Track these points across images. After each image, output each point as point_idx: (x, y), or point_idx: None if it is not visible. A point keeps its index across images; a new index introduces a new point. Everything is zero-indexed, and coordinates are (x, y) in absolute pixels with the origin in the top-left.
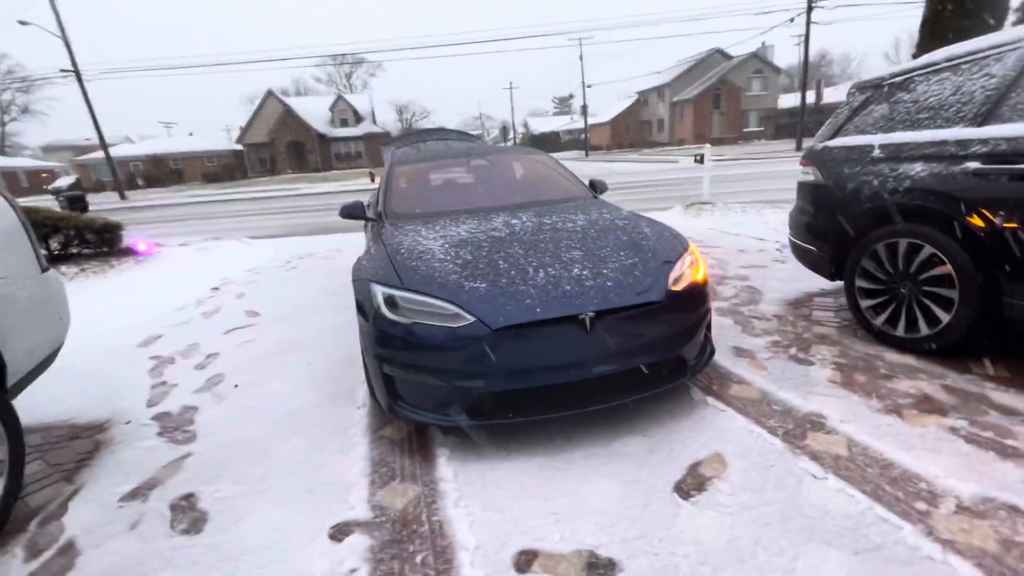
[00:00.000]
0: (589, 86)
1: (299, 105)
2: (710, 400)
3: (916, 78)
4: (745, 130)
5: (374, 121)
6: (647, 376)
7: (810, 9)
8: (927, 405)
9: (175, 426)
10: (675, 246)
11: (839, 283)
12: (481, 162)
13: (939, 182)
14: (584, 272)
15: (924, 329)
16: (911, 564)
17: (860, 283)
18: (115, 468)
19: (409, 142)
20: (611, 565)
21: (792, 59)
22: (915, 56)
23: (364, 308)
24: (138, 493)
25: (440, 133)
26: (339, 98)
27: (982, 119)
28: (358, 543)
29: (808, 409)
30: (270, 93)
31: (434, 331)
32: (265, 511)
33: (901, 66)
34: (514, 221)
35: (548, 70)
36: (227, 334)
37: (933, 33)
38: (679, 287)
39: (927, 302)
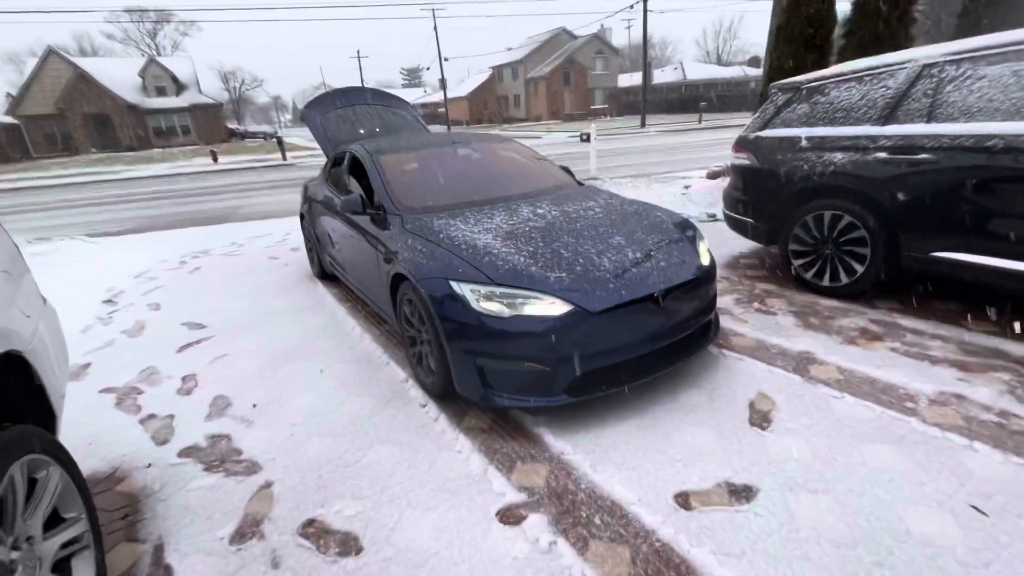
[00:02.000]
0: (446, 59)
1: (96, 68)
2: (726, 352)
3: (829, 85)
4: (592, 107)
5: (200, 90)
6: (695, 338)
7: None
8: (868, 335)
9: (219, 459)
10: (686, 226)
11: (753, 244)
12: (467, 151)
13: (856, 167)
14: (637, 255)
15: (844, 279)
16: (927, 442)
17: (793, 247)
18: (188, 515)
19: (329, 106)
20: (748, 488)
21: (622, 41)
22: (769, 56)
23: (444, 305)
24: (246, 532)
25: (356, 94)
26: (151, 61)
27: (884, 120)
28: (536, 521)
29: (798, 349)
30: (51, 51)
31: (534, 321)
32: (413, 517)
33: (813, 74)
34: (540, 211)
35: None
36: (183, 352)
37: (786, 39)
38: (707, 261)
39: (846, 258)
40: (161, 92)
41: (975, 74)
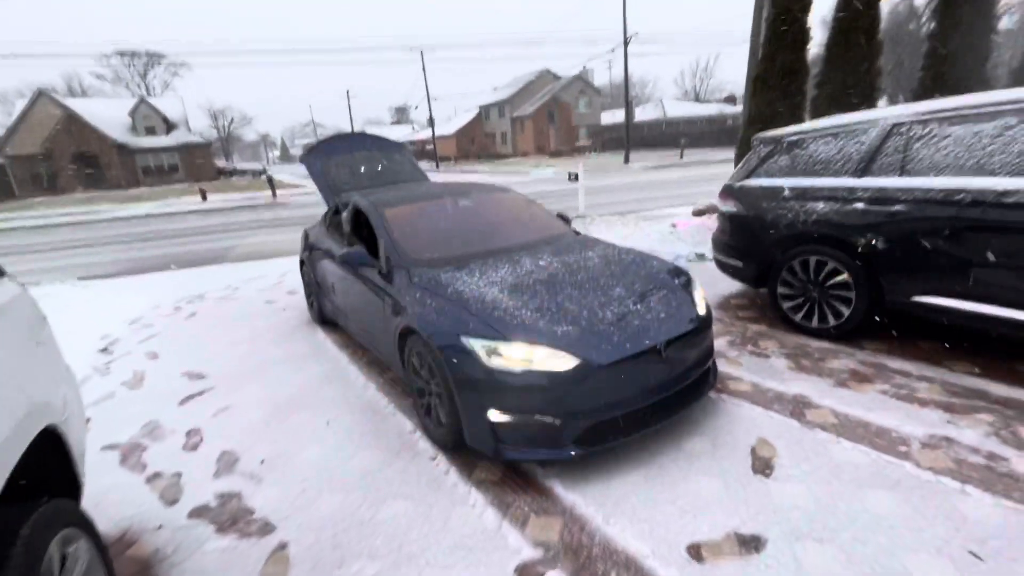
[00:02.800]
0: (435, 98)
1: (85, 109)
2: (724, 397)
3: (807, 139)
4: (577, 144)
5: (189, 129)
6: (696, 386)
7: (626, 43)
8: (858, 377)
9: (231, 519)
10: (681, 275)
11: (741, 286)
12: (467, 202)
13: (837, 216)
14: (638, 307)
15: (831, 320)
16: (922, 487)
17: (781, 290)
18: None
19: (330, 152)
20: (757, 538)
21: (604, 80)
22: (748, 104)
23: (455, 360)
24: None
25: (355, 140)
26: (141, 101)
27: (860, 173)
28: None
29: (793, 392)
30: (41, 93)
31: (543, 375)
32: None
33: (792, 128)
34: (542, 263)
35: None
36: (185, 404)
37: (763, 88)
38: (703, 311)
39: (832, 301)
40: (151, 131)
41: (940, 133)
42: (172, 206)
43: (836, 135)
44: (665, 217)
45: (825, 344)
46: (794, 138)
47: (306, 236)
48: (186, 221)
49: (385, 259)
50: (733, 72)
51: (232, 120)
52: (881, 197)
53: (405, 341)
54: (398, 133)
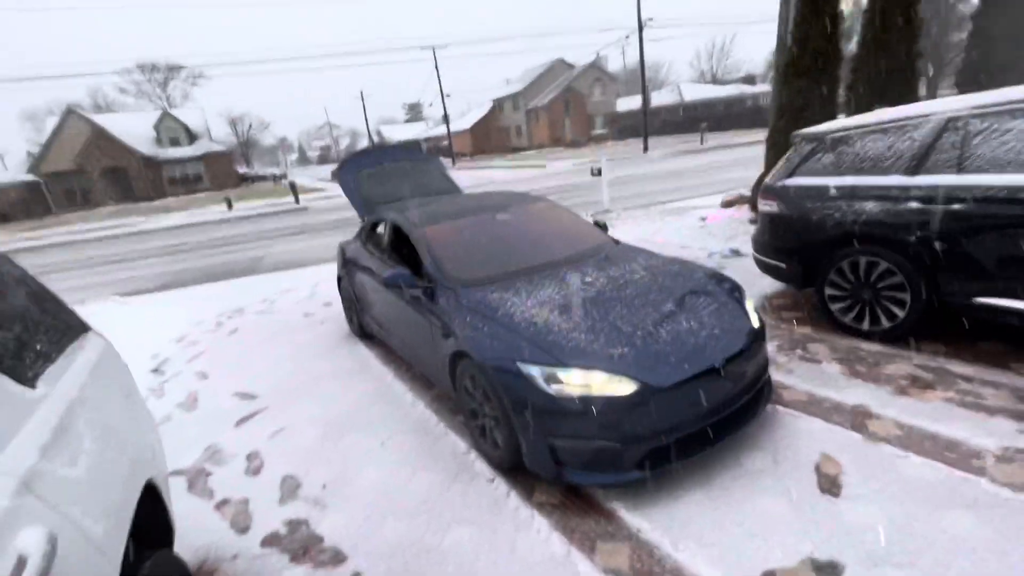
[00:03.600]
0: (448, 95)
1: (113, 124)
2: (780, 409)
3: (853, 135)
4: (593, 133)
5: (211, 138)
6: (754, 402)
7: (641, 29)
8: (919, 383)
9: (303, 547)
10: (728, 284)
11: (781, 284)
12: (505, 216)
13: (889, 216)
14: (692, 323)
15: (884, 323)
16: (1001, 505)
17: (829, 291)
18: None
19: (362, 166)
20: (834, 565)
21: (617, 66)
22: (778, 93)
23: (511, 386)
24: None
25: (386, 152)
26: (165, 114)
27: (913, 170)
28: None
29: (851, 402)
30: (71, 111)
31: (603, 400)
32: None
33: (836, 124)
34: (588, 279)
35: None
36: (241, 426)
37: (795, 75)
38: (757, 323)
39: (885, 303)
40: (175, 143)
41: (1002, 127)
42: (199, 216)
43: (885, 131)
44: (692, 209)
45: (878, 347)
46: (838, 135)
47: (343, 252)
48: (215, 231)
49: (427, 278)
50: (751, 50)
51: (250, 126)
52: (938, 196)
53: (457, 364)
54: (412, 131)
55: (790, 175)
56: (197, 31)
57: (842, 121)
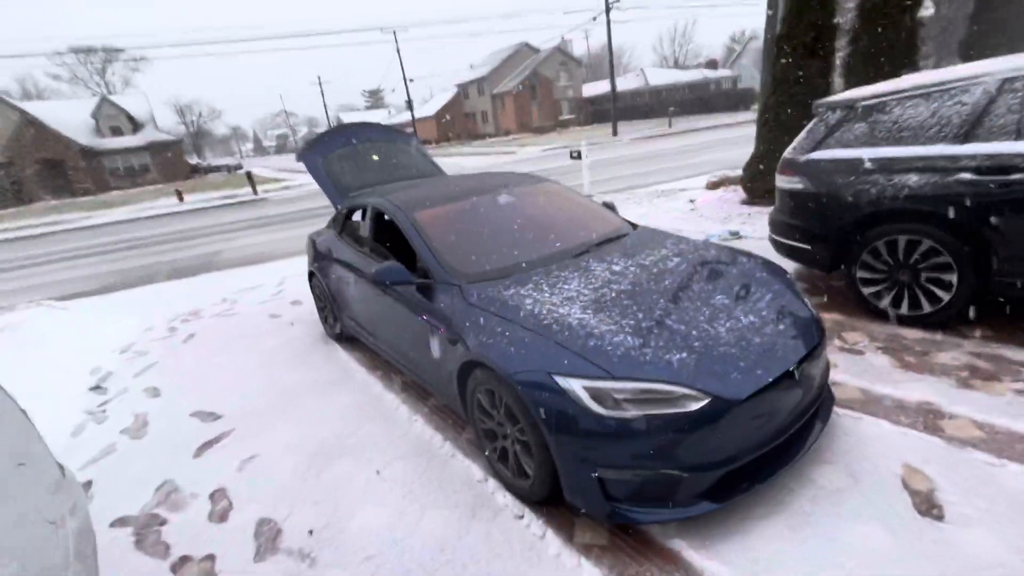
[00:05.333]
0: (411, 80)
1: (45, 112)
2: (837, 410)
3: (889, 102)
4: (560, 118)
5: (157, 127)
6: (823, 407)
7: (608, 10)
8: (981, 374)
9: None
10: (777, 271)
11: (797, 267)
12: (507, 199)
13: (935, 189)
14: (753, 320)
15: (927, 307)
16: None
17: (862, 274)
18: None
19: (329, 147)
20: None
21: (581, 50)
22: (771, 67)
23: (548, 406)
24: None
25: (356, 131)
26: (103, 101)
27: (963, 138)
28: None
29: (914, 399)
30: None
31: (665, 420)
32: None
33: (868, 90)
34: (616, 267)
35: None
36: (202, 455)
37: (790, 49)
38: (814, 313)
39: (928, 285)
40: (116, 132)
41: None
42: (148, 210)
43: (927, 96)
44: (677, 192)
45: (921, 334)
46: (871, 102)
47: (313, 244)
48: (165, 225)
49: (423, 273)
50: (711, 36)
51: (200, 115)
52: (995, 165)
53: (468, 376)
54: (374, 118)
55: (815, 148)
56: (138, 8)
57: (875, 87)
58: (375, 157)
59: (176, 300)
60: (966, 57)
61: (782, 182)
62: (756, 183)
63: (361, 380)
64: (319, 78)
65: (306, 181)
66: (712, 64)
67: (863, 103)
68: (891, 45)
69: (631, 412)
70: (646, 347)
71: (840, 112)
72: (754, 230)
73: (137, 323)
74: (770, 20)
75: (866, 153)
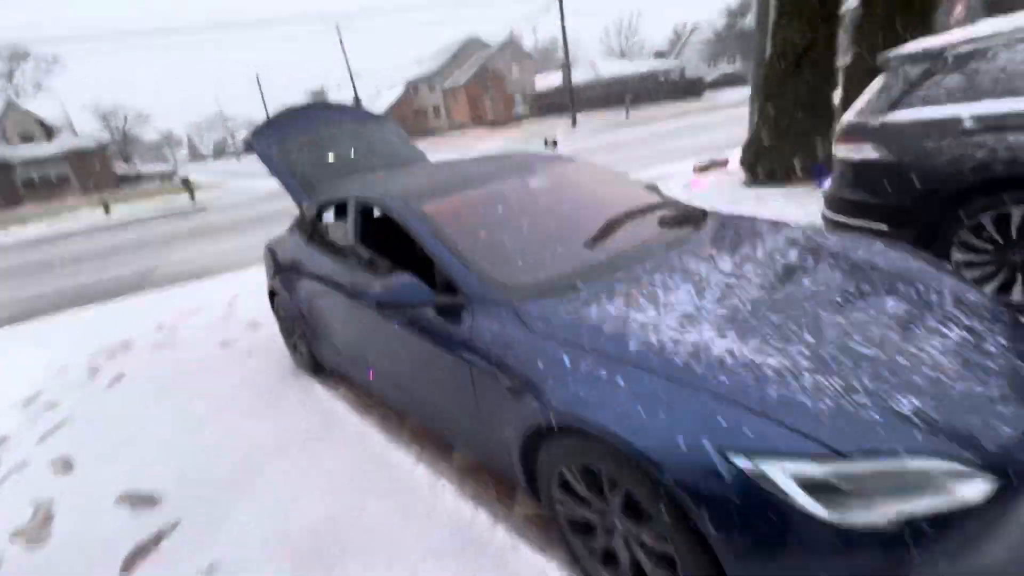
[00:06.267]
0: (357, 76)
1: None
2: None
3: (994, 47)
4: (514, 111)
5: (76, 133)
6: None
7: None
8: None
9: None
10: (936, 263)
11: None
12: (541, 181)
13: None
14: (964, 336)
15: None
16: None
17: (958, 255)
18: None
19: (287, 133)
20: None
21: (529, 44)
22: (772, 35)
23: (721, 505)
24: None
25: (319, 113)
26: (10, 105)
27: None
28: None
29: None
30: None
31: (940, 522)
32: None
33: (960, 35)
34: (725, 266)
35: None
36: (134, 571)
37: (796, 14)
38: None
39: None
40: (27, 139)
41: None
42: (67, 224)
43: None
44: (664, 178)
45: None
46: (966, 49)
47: (273, 256)
48: (88, 241)
49: (446, 287)
50: (654, 30)
51: (126, 119)
52: None
53: (545, 445)
54: None
55: (891, 109)
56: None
57: (970, 30)
58: (346, 143)
59: (101, 329)
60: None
61: (846, 151)
62: (760, 163)
63: (353, 429)
64: (257, 76)
65: (251, 186)
66: (661, 55)
67: (956, 51)
68: (907, 4)
69: (883, 516)
70: (853, 392)
71: (923, 64)
72: (782, 212)
73: (48, 362)
74: None
75: (966, 110)
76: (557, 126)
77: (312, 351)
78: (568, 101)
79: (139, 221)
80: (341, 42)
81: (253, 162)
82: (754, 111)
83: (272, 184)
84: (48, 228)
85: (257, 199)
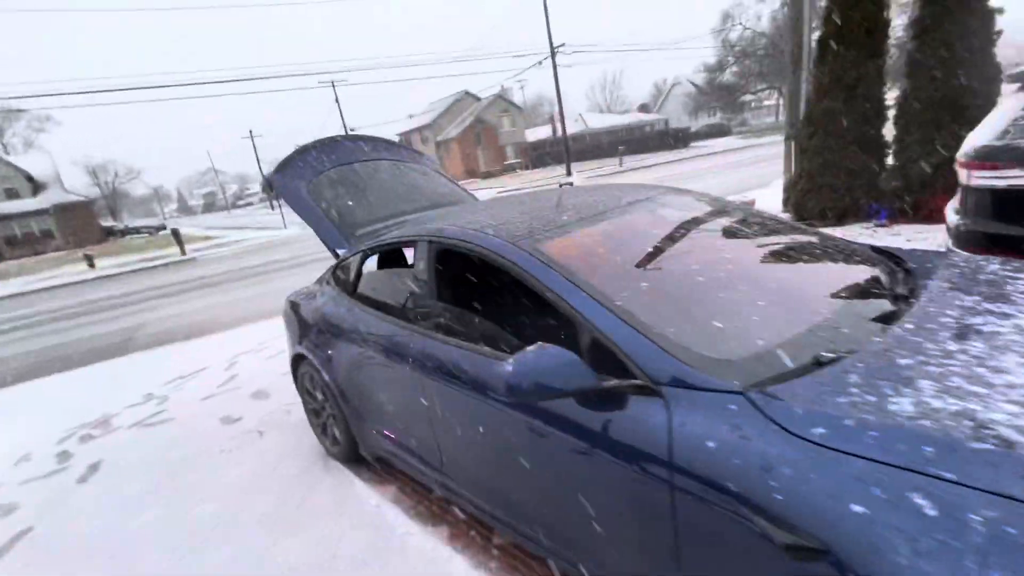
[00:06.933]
0: (353, 130)
1: None
2: None
3: None
4: (506, 163)
5: (64, 188)
6: None
7: (554, 54)
8: None
9: None
10: None
11: None
12: (678, 214)
13: None
14: None
15: None
16: None
17: None
18: None
19: (315, 168)
20: None
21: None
22: (815, 71)
23: None
24: None
25: (349, 147)
26: None
27: None
28: None
29: None
30: None
31: None
32: None
33: None
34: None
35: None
36: None
37: (844, 46)
38: None
39: None
40: (12, 195)
41: None
42: (48, 280)
43: None
44: None
45: None
46: None
47: (297, 312)
48: (68, 296)
49: (607, 363)
50: (637, 85)
51: (116, 174)
52: None
53: None
54: None
55: None
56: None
57: None
58: (387, 182)
59: (74, 402)
60: None
61: (985, 179)
62: (808, 201)
63: (416, 550)
64: (251, 131)
65: (242, 237)
66: (644, 108)
67: None
68: (970, 27)
69: None
70: None
71: None
72: None
73: (6, 448)
74: (794, 24)
75: None
76: (551, 176)
77: (354, 435)
78: (559, 151)
79: (125, 275)
80: (336, 99)
81: (242, 216)
82: (792, 149)
83: (265, 235)
84: (25, 284)
85: (248, 250)
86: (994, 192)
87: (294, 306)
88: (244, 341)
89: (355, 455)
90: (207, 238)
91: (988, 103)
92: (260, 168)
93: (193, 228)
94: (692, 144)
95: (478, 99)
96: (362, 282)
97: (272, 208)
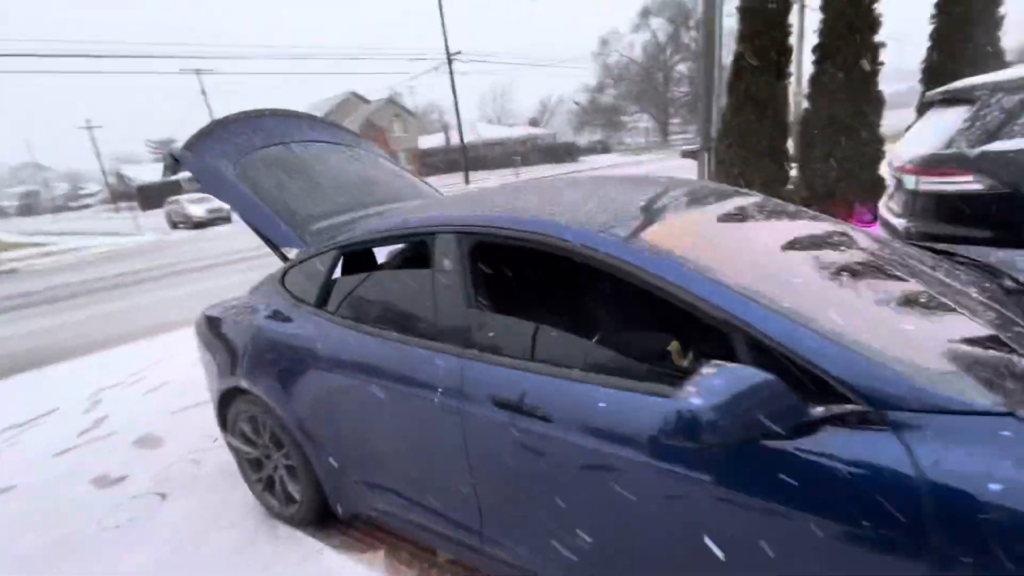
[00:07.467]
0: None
1: None
2: None
3: None
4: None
5: None
6: None
7: (450, 61)
8: None
9: None
10: None
11: None
12: (753, 208)
13: None
14: None
15: None
16: None
17: None
18: None
19: (241, 146)
20: None
21: (409, 104)
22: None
23: None
24: None
25: (280, 124)
26: None
27: None
28: None
29: None
30: None
31: None
32: None
33: None
34: None
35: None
36: None
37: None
38: None
39: None
40: None
41: None
42: None
43: None
44: None
45: None
46: None
47: (217, 329)
48: None
49: (825, 394)
50: (526, 97)
51: None
52: None
53: None
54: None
55: (990, 139)
56: None
57: None
58: (339, 169)
59: None
60: None
61: (935, 184)
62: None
63: None
64: (87, 121)
65: (83, 244)
66: (534, 122)
67: None
68: (855, 62)
69: None
70: None
71: (1020, 93)
72: None
73: None
74: (706, 47)
75: None
76: (449, 182)
77: (323, 490)
78: (453, 159)
79: None
80: (203, 91)
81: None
82: (707, 160)
83: (112, 242)
84: None
85: (86, 261)
86: (942, 196)
87: (214, 324)
88: (110, 370)
89: (319, 515)
90: (32, 244)
91: (874, 124)
92: (100, 163)
93: (6, 234)
94: (580, 159)
95: (367, 101)
96: (332, 289)
97: (117, 211)
